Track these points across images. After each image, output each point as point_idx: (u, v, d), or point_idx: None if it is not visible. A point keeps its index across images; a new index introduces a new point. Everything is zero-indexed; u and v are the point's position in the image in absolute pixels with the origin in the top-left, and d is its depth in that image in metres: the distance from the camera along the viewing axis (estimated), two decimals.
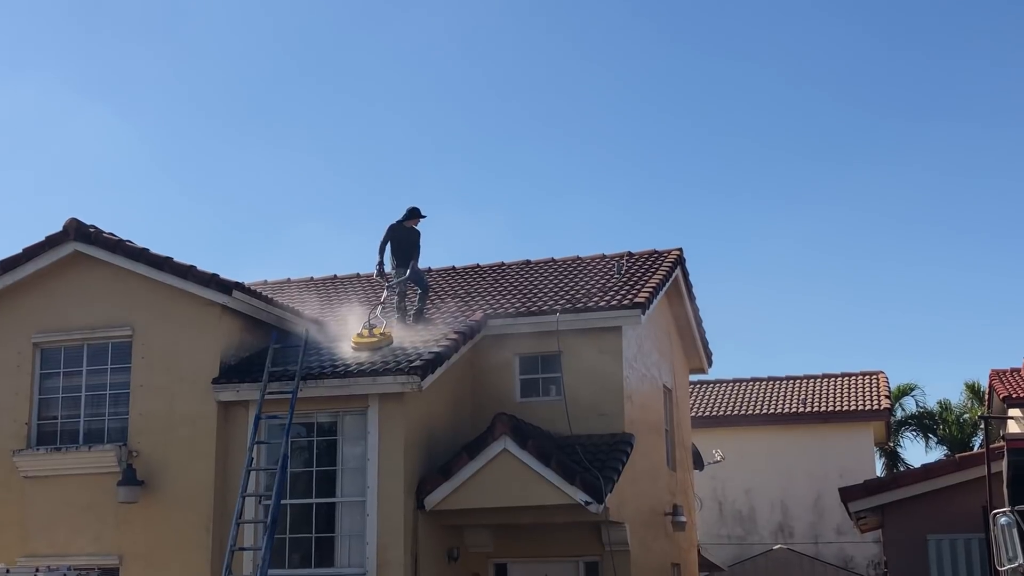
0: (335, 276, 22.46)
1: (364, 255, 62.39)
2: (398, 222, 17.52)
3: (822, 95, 58.05)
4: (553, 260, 21.06)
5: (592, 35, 58.35)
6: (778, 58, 57.37)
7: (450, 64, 58.01)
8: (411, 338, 16.43)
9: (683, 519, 20.10)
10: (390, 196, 63.00)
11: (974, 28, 56.66)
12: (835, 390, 30.99)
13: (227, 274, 15.97)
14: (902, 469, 32.88)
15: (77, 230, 16.17)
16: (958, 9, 56.61)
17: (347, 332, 16.91)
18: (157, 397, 15.68)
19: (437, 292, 19.27)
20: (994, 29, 55.75)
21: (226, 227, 58.66)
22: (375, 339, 16.17)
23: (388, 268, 17.54)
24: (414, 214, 17.53)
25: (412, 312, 17.54)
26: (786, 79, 57.56)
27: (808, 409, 29.73)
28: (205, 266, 15.88)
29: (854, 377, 31.89)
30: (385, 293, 17.57)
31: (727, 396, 31.50)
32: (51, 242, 16.32)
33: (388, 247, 17.47)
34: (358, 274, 22.25)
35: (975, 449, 27.88)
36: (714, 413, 30.32)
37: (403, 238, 17.47)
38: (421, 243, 17.66)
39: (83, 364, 16.20)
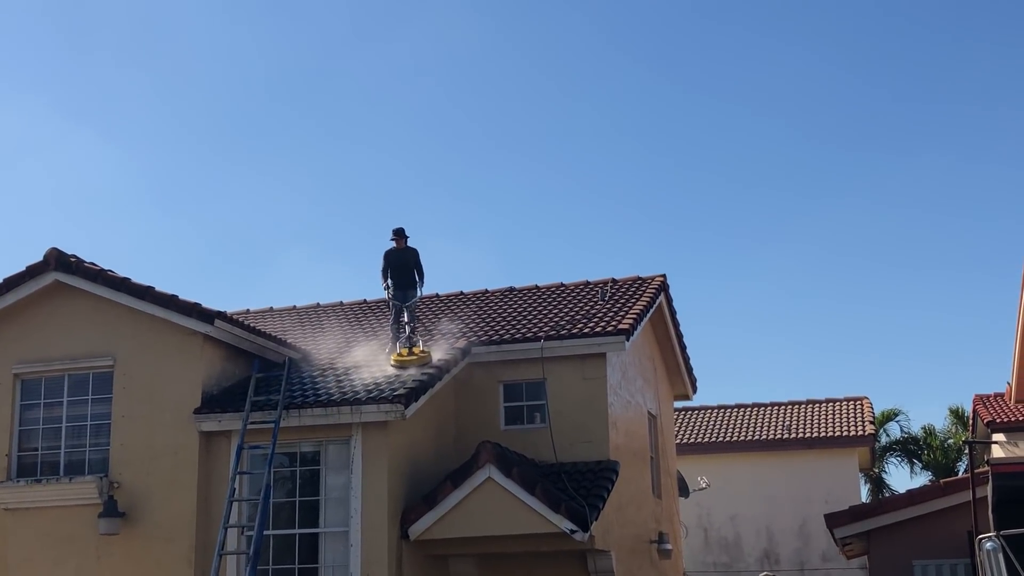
0: (318, 304, 22.38)
1: (349, 283, 62.37)
2: (391, 247, 17.47)
3: (804, 131, 58.41)
4: (536, 287, 21.04)
5: (574, 67, 58.67)
6: (754, 93, 57.74)
7: (434, 93, 58.20)
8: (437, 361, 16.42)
9: (669, 547, 20.02)
10: (375, 224, 63.01)
11: (955, 61, 57.18)
12: (820, 416, 30.96)
13: (212, 300, 15.99)
14: (887, 495, 32.88)
15: (58, 260, 16.09)
16: (938, 43, 57.13)
17: (334, 360, 16.85)
18: (138, 428, 15.58)
19: (421, 319, 19.21)
20: (977, 61, 56.26)
21: (211, 253, 58.56)
22: (415, 357, 16.30)
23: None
24: (397, 234, 17.45)
25: (405, 336, 17.42)
26: (763, 113, 57.91)
27: (793, 435, 29.67)
28: (189, 291, 15.88)
29: (838, 403, 31.87)
30: (405, 316, 17.35)
31: (712, 423, 31.44)
32: (32, 272, 16.23)
33: (389, 272, 17.43)
34: (341, 302, 22.19)
35: (960, 474, 27.89)
36: (699, 440, 30.25)
37: (399, 261, 17.40)
38: (420, 260, 17.45)
39: (64, 395, 16.09)
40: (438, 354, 16.68)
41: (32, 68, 53.41)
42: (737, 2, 56.34)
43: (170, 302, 15.64)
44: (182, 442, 15.40)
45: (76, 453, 15.92)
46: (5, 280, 16.30)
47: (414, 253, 17.54)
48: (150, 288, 15.79)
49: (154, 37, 53.69)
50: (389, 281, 17.38)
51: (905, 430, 36.21)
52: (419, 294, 17.38)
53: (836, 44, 57.13)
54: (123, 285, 15.87)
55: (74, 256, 16.19)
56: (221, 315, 15.80)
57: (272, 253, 58.14)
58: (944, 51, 57.41)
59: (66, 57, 53.13)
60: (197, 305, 15.58)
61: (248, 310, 22.04)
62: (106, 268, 16.23)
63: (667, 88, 59.19)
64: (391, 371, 16.14)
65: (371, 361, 16.78)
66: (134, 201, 55.77)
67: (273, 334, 17.61)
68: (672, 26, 58.59)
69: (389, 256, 17.39)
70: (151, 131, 54.76)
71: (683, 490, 23.94)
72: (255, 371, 15.83)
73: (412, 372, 15.96)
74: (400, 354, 16.51)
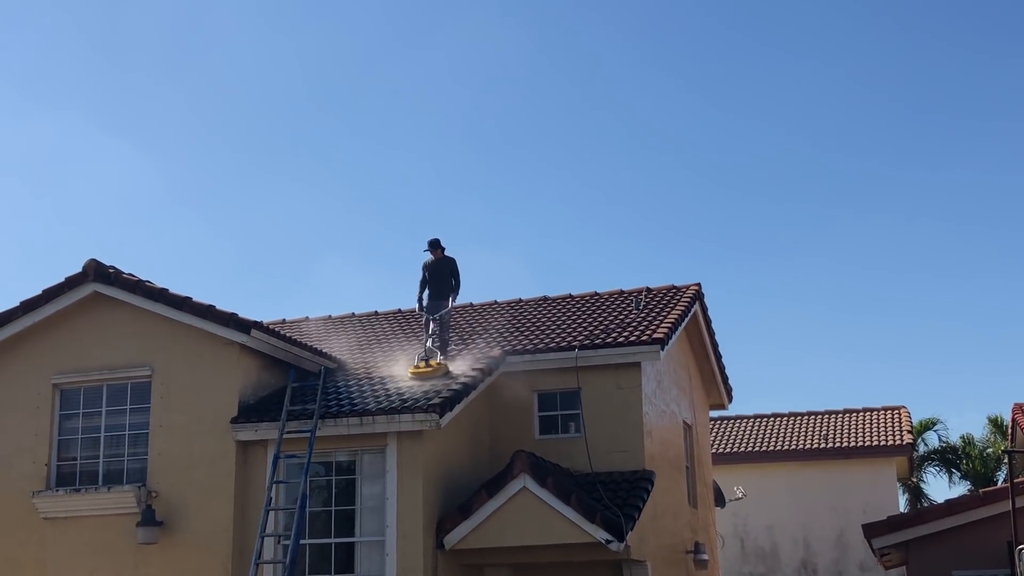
0: (353, 314, 22.48)
1: (386, 292, 62.53)
2: (427, 259, 17.66)
3: (842, 144, 58.13)
4: (571, 296, 21.04)
5: (610, 78, 58.65)
6: (789, 110, 57.54)
7: (470, 101, 58.36)
8: (456, 373, 16.42)
9: (705, 557, 19.92)
10: (411, 232, 63.14)
11: (979, 76, 56.74)
12: (857, 425, 30.74)
13: (248, 310, 16.10)
14: (925, 504, 32.58)
15: (96, 271, 16.24)
16: (962, 58, 56.72)
17: (369, 370, 16.94)
18: (176, 437, 15.69)
19: (455, 329, 19.24)
20: (1001, 75, 55.82)
21: (247, 263, 58.92)
22: (431, 369, 16.31)
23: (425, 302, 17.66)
24: (432, 245, 17.64)
25: (437, 346, 17.51)
26: (801, 128, 57.70)
27: (830, 445, 29.50)
28: (226, 301, 15.95)
29: (876, 412, 31.64)
30: (432, 326, 17.50)
31: (748, 432, 31.29)
32: (71, 283, 16.39)
33: (427, 283, 17.62)
34: (376, 312, 22.28)
35: (999, 484, 27.61)
36: (735, 449, 30.11)
37: (435, 271, 17.58)
38: (457, 270, 17.66)
39: (102, 404, 16.22)
40: (456, 367, 16.67)
41: (69, 80, 54.05)
42: (770, 24, 56.21)
43: (207, 312, 15.75)
44: (219, 451, 15.49)
45: (114, 462, 16.05)
46: (44, 291, 16.46)
47: (449, 263, 17.63)
48: (188, 298, 15.91)
49: (190, 48, 54.20)
50: (424, 292, 17.55)
51: (943, 439, 35.87)
52: (448, 305, 17.44)
53: (866, 62, 56.95)
54: (161, 296, 16.00)
55: (112, 267, 16.34)
56: (258, 325, 15.90)
57: (309, 262, 58.47)
58: (968, 66, 57.03)
59: (103, 69, 53.72)
60: (234, 315, 15.69)
61: (284, 320, 22.17)
62: (144, 279, 16.38)
63: (702, 101, 59.11)
64: (452, 378, 16.16)
65: (406, 371, 16.83)
66: (170, 211, 56.25)
67: (309, 344, 17.70)
68: (708, 43, 58.51)
69: (426, 268, 17.59)
70: (187, 142, 55.25)
71: (719, 500, 23.83)
72: (291, 380, 15.91)
73: (435, 383, 15.96)
74: (417, 367, 16.54)
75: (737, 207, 60.35)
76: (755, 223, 59.85)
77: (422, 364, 16.55)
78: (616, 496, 15.75)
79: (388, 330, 20.53)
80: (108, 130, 54.31)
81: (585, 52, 57.54)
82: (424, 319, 17.56)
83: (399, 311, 21.92)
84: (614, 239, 60.59)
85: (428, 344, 17.07)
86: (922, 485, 35.24)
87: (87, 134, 53.83)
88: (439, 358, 16.74)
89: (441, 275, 17.56)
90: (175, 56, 53.72)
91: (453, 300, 17.51)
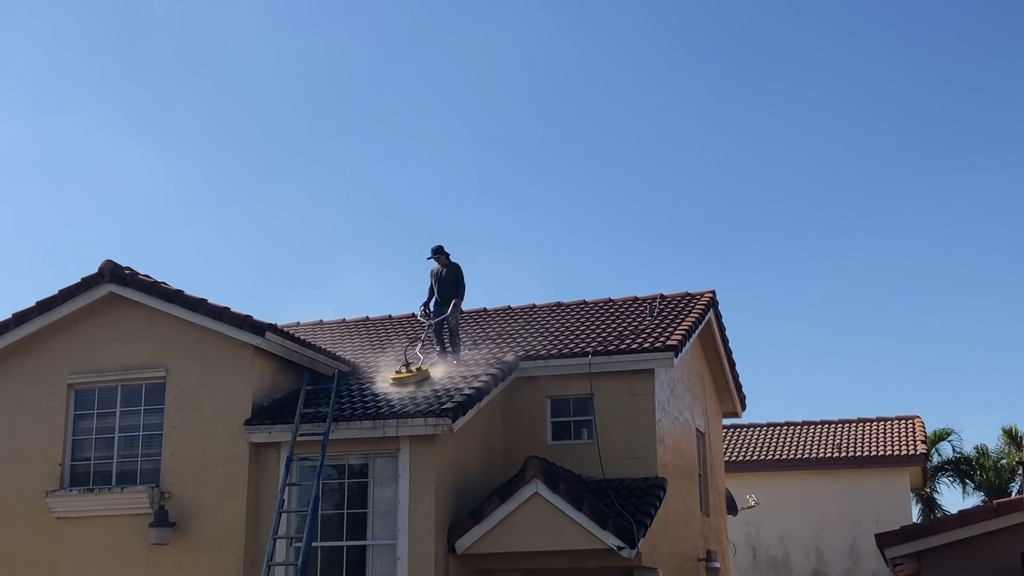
0: (367, 318, 22.52)
1: (402, 296, 62.64)
2: (434, 266, 17.73)
3: (849, 168, 58.08)
4: (584, 302, 21.04)
5: (630, 81, 58.62)
6: (813, 130, 57.49)
7: (486, 107, 58.42)
8: (442, 379, 16.44)
9: (717, 565, 19.89)
10: (426, 238, 63.19)
11: (983, 110, 56.64)
12: (870, 435, 30.65)
13: (263, 315, 16.11)
14: (939, 515, 32.47)
15: (112, 272, 16.31)
16: (964, 91, 56.62)
17: (381, 373, 16.99)
18: (190, 438, 15.73)
19: (468, 334, 19.26)
20: (1005, 110, 55.71)
21: (262, 267, 59.04)
22: (412, 375, 16.25)
23: (432, 309, 17.71)
24: (436, 252, 17.70)
25: (441, 351, 17.55)
26: (814, 153, 57.65)
27: (843, 454, 29.41)
28: (240, 306, 15.99)
29: (890, 422, 31.54)
30: (425, 332, 17.62)
31: (761, 440, 31.23)
32: (86, 284, 16.45)
33: (435, 290, 17.67)
34: (390, 316, 22.32)
35: (1013, 495, 27.51)
36: (748, 457, 30.05)
37: (442, 279, 17.65)
38: (462, 276, 17.72)
39: (117, 405, 16.28)
40: (437, 373, 16.65)
41: (86, 80, 54.25)
42: (782, 53, 56.19)
43: (222, 314, 15.79)
44: (232, 453, 15.53)
45: (128, 463, 16.10)
46: (60, 292, 16.53)
47: (454, 269, 17.67)
48: (203, 300, 15.95)
49: (207, 52, 54.40)
50: (431, 299, 17.59)
51: (957, 450, 35.75)
52: (446, 312, 17.44)
53: (876, 91, 56.97)
54: (176, 297, 16.05)
55: (128, 268, 16.40)
56: (272, 327, 15.94)
57: (324, 267, 58.58)
58: (968, 100, 57.02)
59: (119, 71, 53.92)
60: (249, 317, 15.73)
61: (298, 323, 22.22)
62: (159, 280, 16.43)
63: (711, 116, 59.11)
64: (439, 385, 16.17)
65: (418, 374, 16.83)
66: (186, 214, 56.41)
67: (323, 347, 17.73)
68: (724, 65, 58.50)
69: (434, 275, 17.67)
70: (203, 145, 55.42)
71: (731, 508, 23.78)
72: (305, 383, 15.93)
73: (415, 389, 15.96)
74: (399, 371, 16.53)
75: (755, 220, 60.29)
76: (772, 235, 59.79)
77: (403, 369, 16.53)
78: (628, 503, 15.73)
79: (402, 334, 20.55)
80: (124, 132, 54.55)
81: (607, 58, 57.58)
82: (433, 323, 17.57)
83: (413, 315, 21.94)
84: (630, 246, 60.60)
85: (416, 350, 17.08)
86: (935, 496, 35.15)
87: (103, 136, 54.09)
88: (421, 364, 16.69)
89: (446, 283, 17.61)
90: (192, 60, 53.96)
91: (456, 306, 17.50)
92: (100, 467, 16.20)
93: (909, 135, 58.67)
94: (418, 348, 17.25)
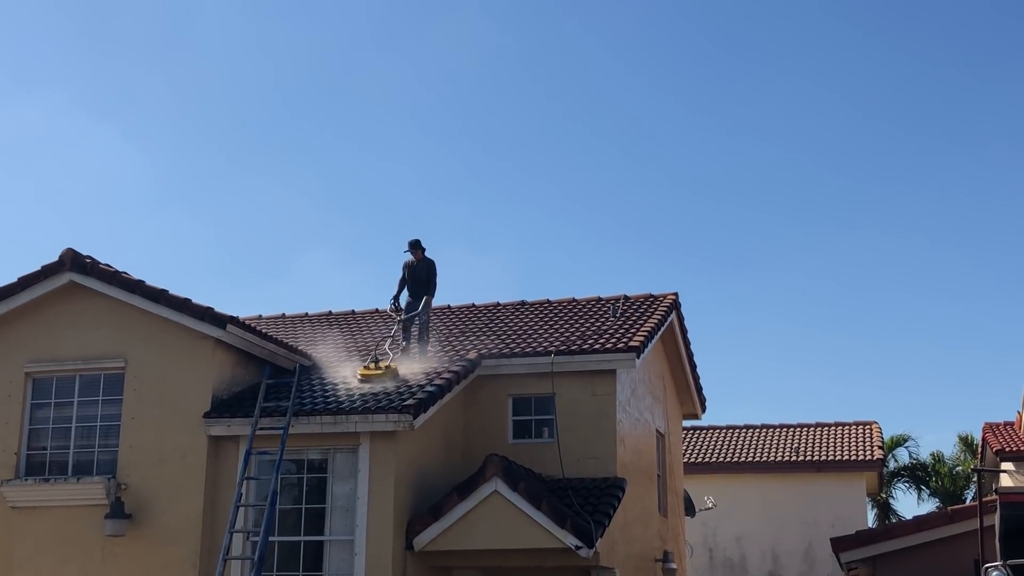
0: (330, 312, 22.45)
1: (367, 290, 62.47)
2: (409, 259, 17.72)
3: (820, 161, 58.45)
4: (548, 301, 21.06)
5: (593, 82, 58.73)
6: (771, 125, 57.78)
7: (456, 102, 58.37)
8: (406, 375, 16.40)
9: (673, 566, 19.97)
10: (392, 231, 63.11)
11: (965, 102, 57.14)
12: (828, 439, 30.86)
13: (228, 304, 16.07)
14: (894, 520, 32.73)
15: (73, 260, 16.16)
16: (949, 84, 57.11)
17: (343, 368, 16.93)
18: (148, 430, 15.61)
19: (432, 331, 19.21)
20: (987, 102, 56.24)
21: (227, 256, 58.73)
22: (380, 372, 16.18)
23: (403, 303, 17.76)
24: (413, 246, 17.72)
25: (409, 347, 17.52)
26: (781, 143, 57.95)
27: (801, 458, 29.59)
28: (206, 294, 15.99)
29: (848, 427, 31.77)
30: (395, 328, 17.59)
31: (720, 443, 31.36)
32: (47, 272, 16.29)
33: (407, 284, 17.65)
34: (353, 311, 22.26)
35: (968, 502, 27.77)
36: (707, 460, 30.17)
37: (415, 273, 17.65)
38: (435, 272, 17.77)
39: (75, 395, 16.13)
40: (404, 369, 16.62)
41: (53, 63, 53.75)
42: (758, 38, 56.45)
43: (183, 306, 15.69)
44: (191, 446, 15.43)
45: (85, 454, 15.96)
46: (20, 279, 16.36)
47: (428, 265, 17.65)
48: (164, 291, 15.85)
49: (175, 38, 53.98)
50: (401, 293, 17.59)
51: (914, 456, 36.11)
52: (418, 308, 17.43)
53: (853, 80, 57.29)
54: (137, 287, 15.93)
55: (89, 257, 16.26)
56: (233, 320, 15.85)
57: (289, 257, 58.34)
58: (956, 89, 57.47)
59: (87, 53, 53.46)
60: (210, 309, 15.63)
61: (260, 316, 22.12)
62: (121, 270, 16.31)
63: (685, 112, 59.30)
64: (401, 381, 16.13)
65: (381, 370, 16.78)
66: (151, 201, 56.03)
67: (285, 341, 17.66)
68: (692, 54, 58.70)
69: (407, 268, 17.66)
70: (170, 131, 55.03)
71: (689, 509, 23.89)
72: (266, 377, 15.87)
73: (385, 385, 15.87)
74: (367, 367, 16.44)
75: (717, 219, 60.62)
76: (734, 235, 60.12)
77: (372, 366, 16.44)
78: (587, 503, 15.76)
79: (365, 329, 20.50)
80: (92, 115, 54.08)
81: (570, 60, 57.66)
82: (404, 319, 17.57)
83: (376, 310, 21.90)
84: (595, 246, 60.74)
85: (385, 346, 17.05)
86: (891, 501, 35.45)
87: (71, 117, 53.59)
88: (390, 360, 16.65)
89: (418, 279, 17.60)
90: (162, 46, 53.54)
91: (428, 303, 17.52)
92: (56, 457, 16.05)
93: (893, 125, 58.94)
94: (387, 344, 17.18)
